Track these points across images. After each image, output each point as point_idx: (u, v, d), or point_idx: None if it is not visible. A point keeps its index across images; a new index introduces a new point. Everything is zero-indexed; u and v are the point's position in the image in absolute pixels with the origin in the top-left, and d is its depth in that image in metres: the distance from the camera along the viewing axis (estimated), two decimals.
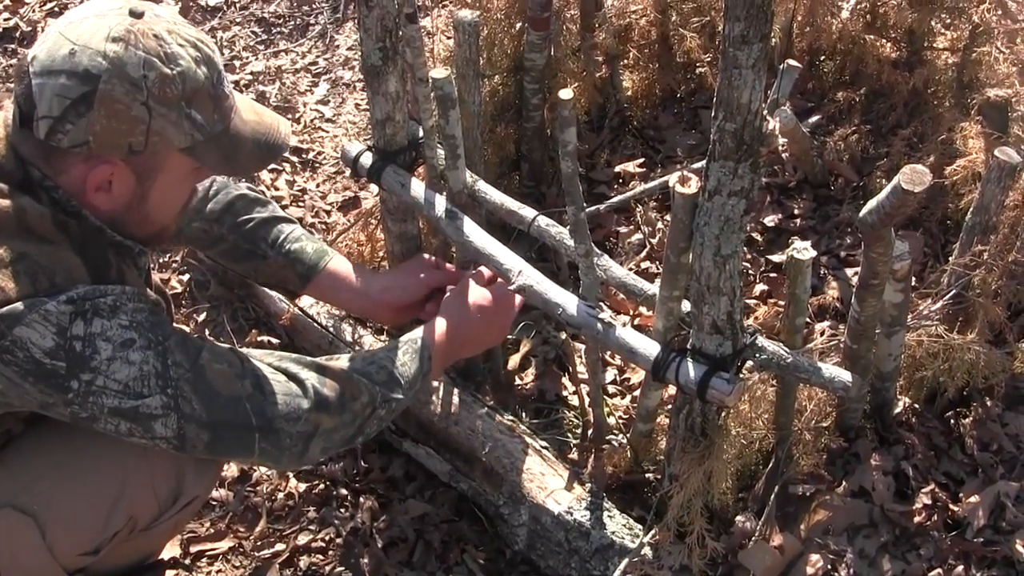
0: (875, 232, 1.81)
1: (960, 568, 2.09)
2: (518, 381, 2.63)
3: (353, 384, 1.82)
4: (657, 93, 3.29)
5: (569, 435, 2.49)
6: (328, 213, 3.12)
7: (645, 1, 3.12)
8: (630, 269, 2.68)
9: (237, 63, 3.71)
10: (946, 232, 2.80)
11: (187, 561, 2.30)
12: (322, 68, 3.73)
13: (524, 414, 2.52)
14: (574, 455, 2.42)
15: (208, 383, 1.66)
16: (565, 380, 2.62)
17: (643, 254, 2.91)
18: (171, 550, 2.27)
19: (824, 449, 2.23)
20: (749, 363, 1.91)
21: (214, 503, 2.40)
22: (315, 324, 2.60)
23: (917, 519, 2.15)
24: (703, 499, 1.98)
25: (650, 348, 1.88)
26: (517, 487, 2.22)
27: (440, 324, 2.02)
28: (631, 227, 2.99)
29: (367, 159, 2.24)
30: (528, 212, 2.16)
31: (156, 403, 1.61)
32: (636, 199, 2.92)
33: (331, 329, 2.57)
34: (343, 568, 2.29)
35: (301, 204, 3.14)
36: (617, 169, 3.13)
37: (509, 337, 2.57)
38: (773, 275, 2.82)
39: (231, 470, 2.47)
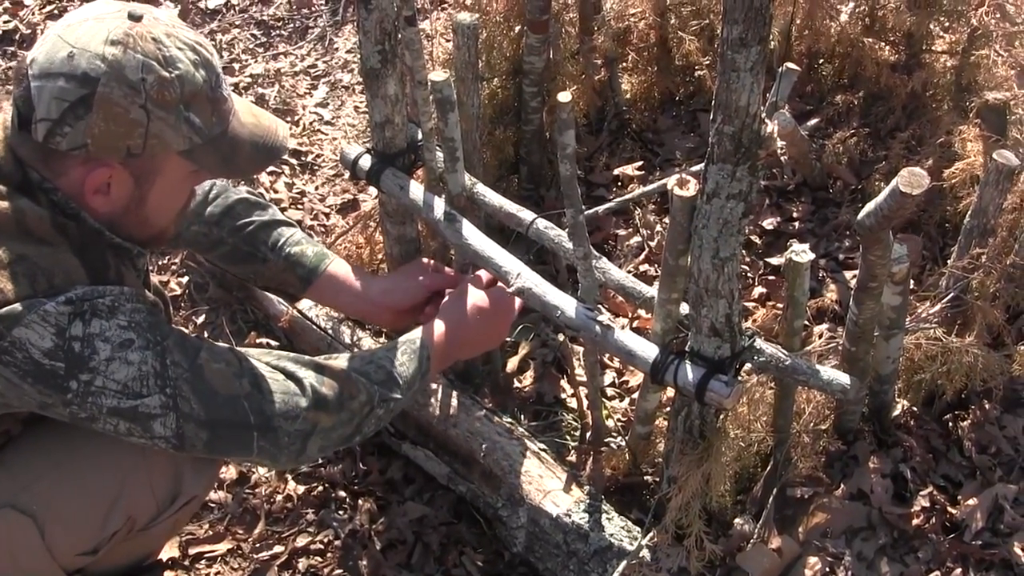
0: (873, 235, 1.81)
1: (958, 571, 2.09)
2: (517, 384, 2.63)
3: (351, 383, 1.82)
4: (656, 96, 3.30)
5: (568, 437, 2.49)
6: (327, 216, 3.13)
7: (644, 4, 3.13)
8: (629, 272, 2.68)
9: (236, 66, 3.71)
10: (944, 235, 2.80)
11: (186, 563, 2.30)
12: (321, 71, 3.73)
13: (523, 416, 2.52)
14: (572, 457, 2.42)
15: (206, 382, 1.66)
16: (564, 383, 2.62)
17: (642, 257, 2.91)
18: (170, 551, 2.27)
19: (822, 452, 2.23)
20: (747, 366, 1.91)
21: (213, 505, 2.41)
22: (314, 326, 2.60)
23: (915, 522, 2.15)
24: (701, 501, 1.98)
25: (648, 351, 1.88)
26: (516, 489, 2.22)
27: (439, 325, 2.02)
28: (630, 230, 2.99)
29: (366, 162, 2.24)
30: (527, 215, 2.16)
31: (155, 403, 1.61)
32: (635, 202, 2.92)
33: (330, 331, 2.57)
34: (342, 570, 2.29)
35: (300, 207, 3.15)
36: (616, 172, 3.13)
37: (508, 340, 2.57)
38: (772, 278, 2.82)
39: (230, 472, 2.47)
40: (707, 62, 3.19)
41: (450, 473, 2.34)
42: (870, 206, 1.75)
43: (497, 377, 2.57)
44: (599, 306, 1.95)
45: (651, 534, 2.07)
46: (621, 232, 2.98)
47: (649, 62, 3.24)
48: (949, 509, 2.18)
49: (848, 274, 2.77)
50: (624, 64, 3.25)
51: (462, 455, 2.32)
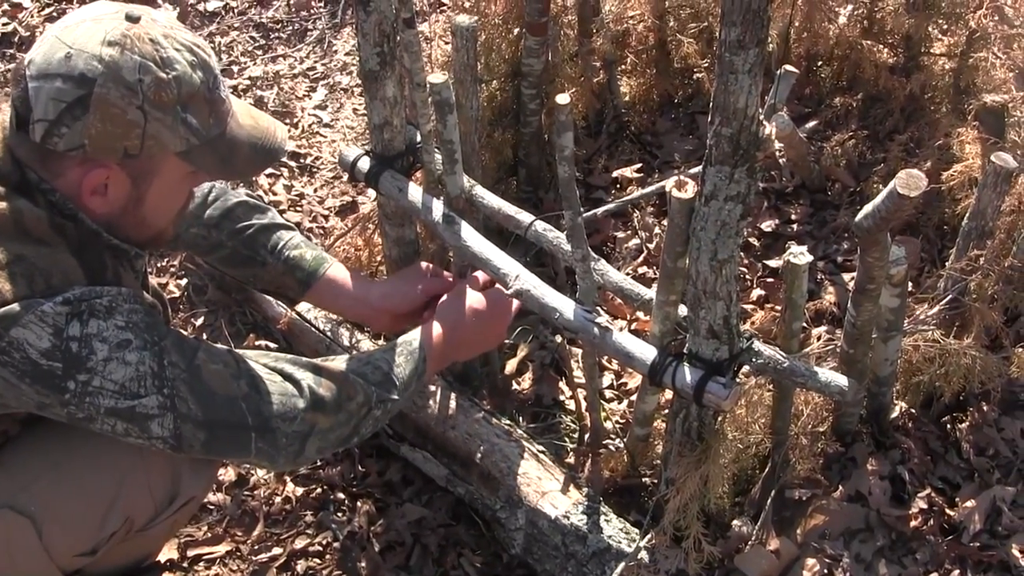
0: (871, 237, 1.81)
1: (956, 572, 2.09)
2: (515, 385, 2.63)
3: (349, 384, 1.82)
4: (655, 98, 3.30)
5: (566, 439, 2.49)
6: (326, 218, 3.13)
7: (643, 7, 3.13)
8: (627, 274, 2.67)
9: (235, 68, 3.72)
10: (943, 237, 2.80)
11: (184, 564, 2.30)
12: (320, 73, 3.73)
13: (521, 418, 2.52)
14: (571, 459, 2.42)
15: (204, 383, 1.66)
16: (562, 384, 2.62)
17: (640, 259, 2.91)
18: (168, 553, 2.27)
19: (820, 453, 2.23)
20: (746, 367, 1.91)
21: (211, 507, 2.41)
22: (312, 328, 2.60)
23: (913, 523, 2.15)
24: (700, 503, 1.98)
25: (647, 352, 1.88)
26: (514, 491, 2.22)
27: (436, 326, 2.02)
28: (628, 232, 2.99)
29: (365, 164, 2.24)
30: (525, 217, 2.16)
31: (152, 403, 1.61)
32: (633, 204, 2.92)
33: (328, 333, 2.57)
34: (340, 572, 2.29)
35: (299, 209, 3.15)
36: (614, 174, 3.13)
37: (506, 342, 2.57)
38: (770, 280, 2.82)
39: (228, 474, 2.47)
40: (706, 64, 3.19)
41: (449, 475, 2.34)
42: (868, 208, 1.76)
43: (496, 379, 2.57)
44: (597, 308, 1.95)
45: (649, 536, 2.07)
46: (620, 234, 2.99)
47: (648, 64, 3.25)
48: (947, 511, 2.18)
49: (846, 276, 2.77)
50: (623, 66, 3.25)
51: (461, 457, 2.32)
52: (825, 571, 2.07)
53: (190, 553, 2.32)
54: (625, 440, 2.32)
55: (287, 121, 3.48)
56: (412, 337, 1.98)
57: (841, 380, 1.87)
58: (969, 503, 2.18)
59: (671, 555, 2.05)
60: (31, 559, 1.74)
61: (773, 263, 2.85)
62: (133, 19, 1.60)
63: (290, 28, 3.92)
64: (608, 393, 2.61)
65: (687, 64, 3.24)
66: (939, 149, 2.76)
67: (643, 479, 2.31)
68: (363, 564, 2.30)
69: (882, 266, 1.89)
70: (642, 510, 2.25)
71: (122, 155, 1.60)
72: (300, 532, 2.37)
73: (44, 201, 1.61)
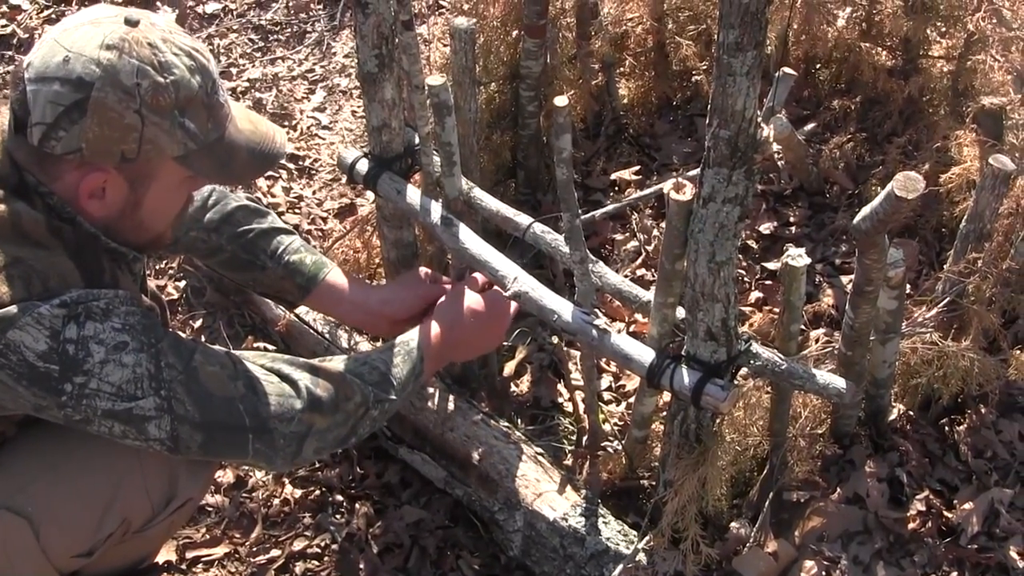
0: (869, 239, 1.81)
1: (954, 574, 2.09)
2: (513, 388, 2.63)
3: (346, 385, 1.82)
4: (653, 101, 3.30)
5: (564, 441, 2.49)
6: (324, 220, 3.13)
7: (641, 9, 3.13)
8: (625, 276, 2.68)
9: (234, 70, 3.72)
10: (941, 240, 2.80)
11: (182, 566, 2.30)
12: (319, 75, 3.73)
13: (519, 420, 2.52)
14: (569, 461, 2.42)
15: (201, 384, 1.66)
16: (560, 386, 2.62)
17: (638, 261, 2.91)
18: (166, 554, 2.26)
19: (819, 456, 2.23)
20: (744, 370, 1.91)
21: (210, 509, 2.41)
22: (311, 330, 2.60)
23: (911, 526, 2.15)
24: (698, 505, 1.98)
25: (645, 355, 1.88)
26: (512, 493, 2.22)
27: (434, 326, 2.02)
28: (626, 234, 2.99)
29: (363, 166, 2.24)
30: (524, 219, 2.16)
31: (149, 405, 1.61)
32: (631, 206, 2.92)
33: (327, 335, 2.57)
34: (339, 574, 2.29)
35: (297, 211, 3.15)
36: (613, 176, 3.14)
37: (505, 344, 2.57)
38: (768, 282, 2.82)
39: (227, 476, 2.47)
40: (704, 67, 3.20)
41: (447, 477, 2.34)
42: (866, 210, 1.76)
43: (494, 381, 2.57)
44: (596, 310, 1.95)
45: (647, 538, 2.07)
46: (618, 236, 2.99)
47: (646, 67, 3.25)
48: (945, 513, 2.18)
49: (844, 279, 2.78)
50: (621, 69, 3.26)
51: (459, 459, 2.32)
52: (823, 573, 2.08)
53: (188, 555, 2.31)
54: (623, 442, 2.32)
55: (286, 123, 3.48)
56: (409, 337, 1.98)
57: (839, 382, 1.87)
58: (967, 505, 2.18)
59: (669, 557, 2.05)
60: (28, 560, 1.74)
61: (771, 265, 2.85)
62: (132, 23, 1.60)
63: (289, 30, 3.92)
64: (606, 395, 2.61)
65: (685, 66, 3.24)
66: (937, 151, 2.76)
67: (641, 481, 2.31)
68: (361, 566, 2.30)
69: (880, 268, 1.89)
70: (640, 512, 2.25)
71: (119, 159, 1.60)
72: (298, 534, 2.37)
73: (42, 204, 1.61)
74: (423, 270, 2.31)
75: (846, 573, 2.07)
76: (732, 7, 1.44)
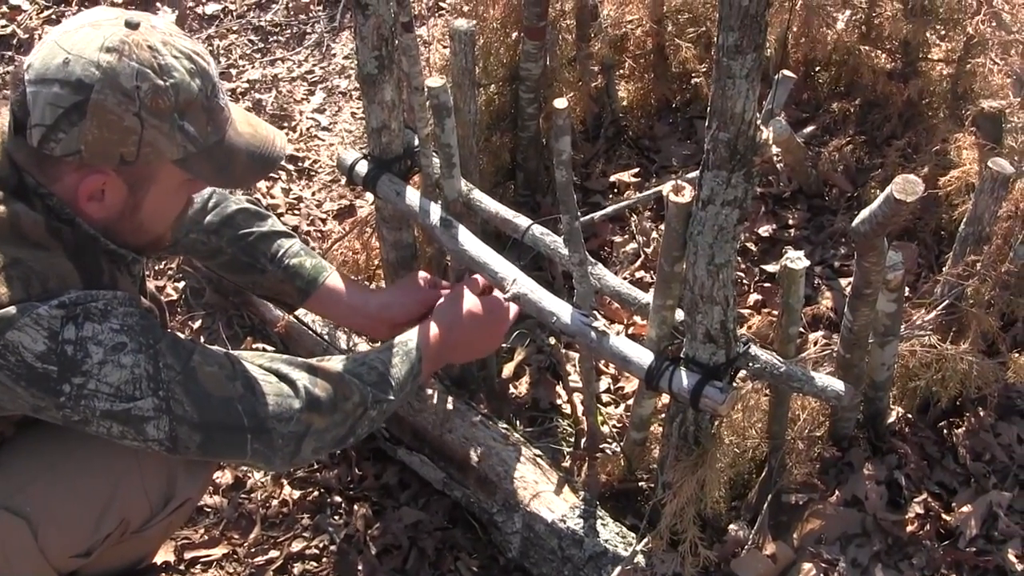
0: (868, 241, 1.81)
1: None
2: (512, 389, 2.63)
3: (344, 385, 1.82)
4: (652, 103, 3.30)
5: (563, 443, 2.49)
6: (324, 221, 3.13)
7: (641, 11, 3.13)
8: (624, 278, 2.68)
9: (234, 72, 3.72)
10: (940, 243, 2.80)
11: (181, 567, 2.30)
12: (318, 77, 3.73)
13: (518, 422, 2.52)
14: (568, 463, 2.42)
15: (199, 385, 1.66)
16: (559, 388, 2.62)
17: (637, 263, 2.91)
18: (165, 555, 2.26)
19: (817, 458, 2.23)
20: (742, 372, 1.91)
21: (208, 509, 2.40)
22: (310, 331, 2.60)
23: (910, 528, 2.15)
24: (696, 507, 1.98)
25: (644, 357, 1.88)
26: (511, 495, 2.22)
27: (432, 327, 2.03)
28: (625, 236, 2.99)
29: (363, 167, 2.24)
30: (523, 221, 2.16)
31: (148, 405, 1.61)
32: (631, 208, 2.92)
33: (326, 337, 2.57)
34: (337, 575, 2.29)
35: (297, 212, 3.15)
36: (612, 179, 3.14)
37: (504, 345, 2.57)
38: (767, 285, 2.83)
39: (225, 476, 2.47)
40: (704, 69, 3.20)
41: (445, 478, 2.34)
42: (865, 213, 1.76)
43: (493, 383, 2.57)
44: (595, 312, 1.95)
45: (646, 540, 2.07)
46: (617, 238, 2.99)
47: (646, 69, 3.25)
48: (943, 516, 2.18)
49: (843, 281, 2.78)
50: (621, 71, 3.26)
51: (457, 460, 2.32)
52: (821, 575, 2.08)
53: (186, 556, 2.31)
54: (622, 444, 2.32)
55: (285, 124, 3.48)
56: (408, 338, 1.99)
57: (838, 385, 1.87)
58: (965, 508, 2.18)
59: (667, 559, 2.05)
60: (27, 560, 1.74)
61: (770, 268, 2.85)
62: (132, 25, 1.60)
63: (288, 31, 3.92)
64: (605, 397, 2.61)
65: (685, 69, 3.24)
66: (936, 154, 2.76)
67: (640, 483, 2.31)
68: (360, 567, 2.30)
69: (879, 271, 1.89)
70: (639, 514, 2.25)
71: (118, 161, 1.60)
72: (297, 535, 2.37)
73: (41, 205, 1.62)
74: (422, 274, 2.31)
75: (844, 575, 2.07)
76: (732, 9, 1.44)
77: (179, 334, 1.94)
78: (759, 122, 1.58)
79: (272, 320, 2.69)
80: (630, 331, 2.69)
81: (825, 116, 3.13)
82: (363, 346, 2.53)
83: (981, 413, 2.33)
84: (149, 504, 1.86)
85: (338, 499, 2.44)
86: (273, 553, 2.33)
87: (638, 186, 3.09)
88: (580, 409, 2.41)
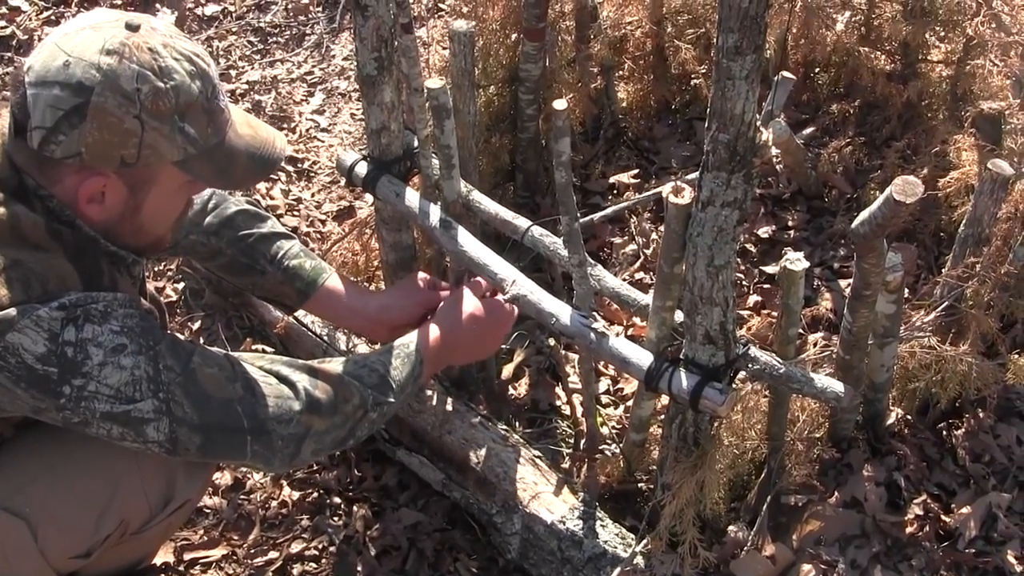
0: (868, 243, 1.81)
1: None
2: (512, 390, 2.63)
3: (344, 386, 1.82)
4: (652, 104, 3.30)
5: (562, 444, 2.49)
6: (323, 222, 3.13)
7: (640, 12, 3.13)
8: (624, 279, 2.68)
9: (233, 73, 3.72)
10: (939, 244, 2.81)
11: (180, 568, 2.30)
12: (318, 78, 3.73)
13: (517, 423, 2.53)
14: (567, 464, 2.42)
15: (199, 386, 1.66)
16: (559, 389, 2.62)
17: (637, 264, 2.91)
18: (164, 556, 2.26)
19: (816, 459, 2.23)
20: (742, 373, 1.91)
21: (207, 510, 2.40)
22: (309, 333, 2.60)
23: (909, 530, 2.15)
24: (695, 509, 1.98)
25: (643, 358, 1.88)
26: (510, 496, 2.22)
27: (432, 330, 2.03)
28: (625, 238, 2.99)
29: (362, 169, 2.25)
30: (522, 222, 2.16)
31: (148, 407, 1.61)
32: (630, 210, 2.93)
33: (325, 338, 2.57)
34: None
35: (296, 213, 3.15)
36: (611, 180, 3.14)
37: (503, 347, 2.57)
38: (766, 286, 2.83)
39: (225, 477, 2.47)
40: (703, 70, 3.20)
41: (445, 479, 2.34)
42: (864, 214, 1.76)
43: (492, 384, 2.57)
44: (594, 313, 1.95)
45: (645, 541, 2.07)
46: (616, 240, 2.99)
47: (645, 70, 3.25)
48: (943, 517, 2.18)
49: (843, 283, 2.78)
50: (620, 72, 3.26)
51: (457, 462, 2.32)
52: None
53: (186, 557, 2.31)
54: (621, 445, 2.32)
55: (285, 126, 3.48)
56: (408, 340, 1.99)
57: (837, 386, 1.87)
58: (965, 509, 2.18)
59: (667, 560, 2.05)
60: (26, 561, 1.74)
61: (770, 269, 2.85)
62: (132, 28, 1.60)
63: (288, 33, 3.92)
64: (604, 398, 2.61)
65: (684, 70, 3.24)
66: (936, 156, 2.76)
67: (639, 484, 2.31)
68: (359, 568, 2.30)
69: (878, 272, 1.89)
70: (638, 515, 2.25)
71: (119, 164, 1.60)
72: (296, 536, 2.37)
73: (41, 207, 1.61)
74: (421, 276, 2.31)
75: None
76: (731, 11, 1.44)
77: (179, 335, 1.94)
78: (759, 123, 1.58)
79: (271, 321, 2.69)
80: (629, 332, 2.69)
81: (824, 117, 3.13)
82: (362, 347, 2.53)
83: (980, 415, 2.33)
84: (148, 505, 1.86)
85: (337, 500, 2.44)
86: (272, 554, 2.33)
87: (637, 187, 3.09)
88: (579, 410, 2.41)
